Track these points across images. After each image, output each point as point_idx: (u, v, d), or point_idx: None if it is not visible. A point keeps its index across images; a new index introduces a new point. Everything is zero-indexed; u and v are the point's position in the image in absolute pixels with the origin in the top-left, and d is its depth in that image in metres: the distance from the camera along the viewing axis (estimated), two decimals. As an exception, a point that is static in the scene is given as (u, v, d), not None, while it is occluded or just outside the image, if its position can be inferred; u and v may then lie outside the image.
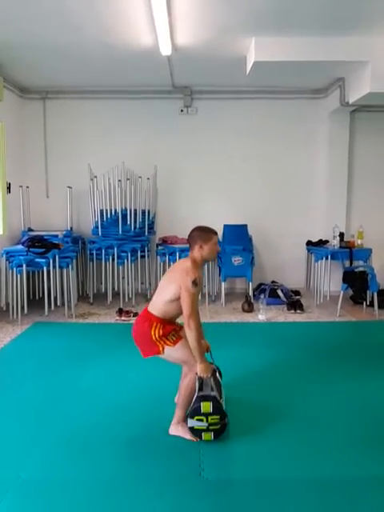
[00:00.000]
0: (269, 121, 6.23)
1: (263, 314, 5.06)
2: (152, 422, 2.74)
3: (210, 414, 2.45)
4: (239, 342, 4.26)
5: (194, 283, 2.44)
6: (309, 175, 6.34)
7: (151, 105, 6.15)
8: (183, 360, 2.55)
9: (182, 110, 6.18)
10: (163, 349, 2.51)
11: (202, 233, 2.61)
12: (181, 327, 2.67)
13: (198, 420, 2.46)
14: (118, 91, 6.04)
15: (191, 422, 2.48)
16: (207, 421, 2.45)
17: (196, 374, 2.50)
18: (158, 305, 2.58)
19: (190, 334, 2.45)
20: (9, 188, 5.48)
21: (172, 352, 2.52)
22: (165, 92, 6.06)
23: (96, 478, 2.22)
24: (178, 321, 2.71)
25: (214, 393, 2.51)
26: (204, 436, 2.48)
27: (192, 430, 2.49)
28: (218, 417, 2.46)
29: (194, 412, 2.48)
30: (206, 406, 2.46)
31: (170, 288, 2.52)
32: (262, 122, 6.23)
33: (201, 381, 2.52)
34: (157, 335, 2.51)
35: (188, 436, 2.52)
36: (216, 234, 2.65)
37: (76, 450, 2.46)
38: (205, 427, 2.46)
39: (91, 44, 4.48)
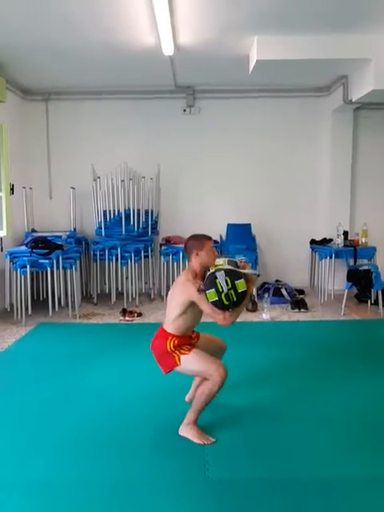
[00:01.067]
0: (272, 119, 6.22)
1: (267, 313, 5.05)
2: (157, 421, 2.74)
3: (235, 291, 2.43)
4: (243, 341, 4.24)
5: (199, 290, 2.45)
6: (312, 173, 6.32)
7: (154, 105, 6.15)
8: (199, 371, 2.53)
9: (184, 110, 6.17)
10: (179, 359, 2.50)
11: (196, 241, 2.62)
12: (196, 335, 2.72)
13: (226, 281, 2.41)
14: (120, 91, 6.04)
15: (221, 276, 2.42)
16: (228, 290, 2.41)
17: (221, 377, 2.45)
18: (169, 323, 2.60)
19: (233, 320, 2.49)
20: (12, 189, 5.49)
21: (187, 361, 2.50)
22: (167, 92, 6.06)
23: (101, 479, 2.21)
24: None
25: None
26: (210, 293, 2.41)
27: (213, 279, 2.43)
28: (235, 300, 2.44)
29: (232, 273, 2.45)
30: (242, 285, 2.45)
31: (172, 305, 2.58)
32: (265, 120, 6.22)
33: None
34: (171, 346, 2.53)
35: (196, 439, 2.49)
36: (210, 239, 2.66)
37: (80, 450, 2.46)
38: (221, 290, 2.41)
39: (93, 45, 4.48)
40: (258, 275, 2.61)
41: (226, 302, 2.43)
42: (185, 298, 2.50)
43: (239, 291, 2.45)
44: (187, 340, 2.62)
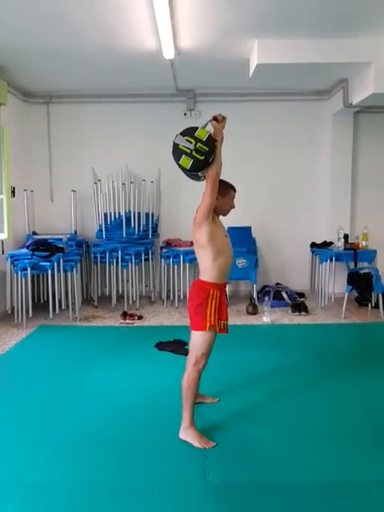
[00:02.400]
0: (272, 123, 6.23)
1: (267, 317, 5.05)
2: (157, 425, 2.74)
3: (201, 141, 2.37)
4: (243, 344, 4.25)
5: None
6: (313, 177, 6.33)
7: (155, 108, 6.17)
8: (198, 350, 2.52)
9: (185, 113, 6.19)
10: (209, 328, 2.48)
11: (221, 185, 2.58)
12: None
13: (187, 140, 2.36)
14: (121, 95, 6.06)
15: (179, 139, 2.38)
16: (195, 145, 2.36)
17: (197, 368, 2.51)
18: (207, 271, 2.55)
19: (215, 180, 2.46)
20: (13, 192, 5.50)
21: (205, 336, 2.50)
22: (168, 95, 6.08)
23: (101, 481, 2.21)
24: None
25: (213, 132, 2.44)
26: (182, 160, 2.38)
27: (176, 147, 2.39)
28: (207, 149, 2.38)
29: (187, 131, 2.40)
30: (203, 133, 2.38)
31: (202, 250, 2.53)
32: (266, 124, 6.23)
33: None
34: (212, 310, 2.49)
35: (196, 443, 2.49)
36: (235, 190, 2.66)
37: (80, 453, 2.45)
38: (189, 150, 2.36)
39: (94, 48, 4.49)
40: (215, 118, 2.45)
41: (200, 157, 2.37)
42: (201, 226, 2.49)
43: (204, 139, 2.38)
44: (224, 308, 2.58)
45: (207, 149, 2.39)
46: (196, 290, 2.58)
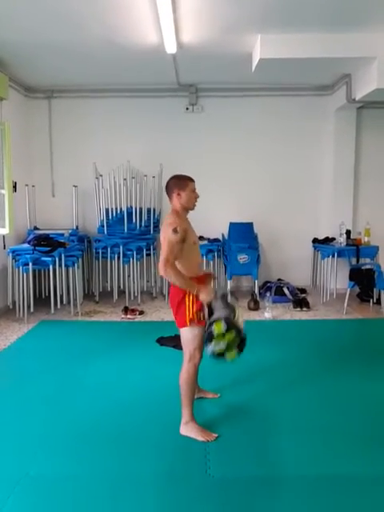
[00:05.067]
0: (275, 118, 6.20)
1: (269, 312, 5.05)
2: (158, 419, 2.75)
3: (224, 334, 2.38)
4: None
5: (174, 231, 2.43)
6: (315, 172, 6.31)
7: (157, 103, 6.15)
8: (188, 346, 2.54)
9: (187, 108, 6.17)
10: (190, 322, 2.50)
11: (178, 180, 2.59)
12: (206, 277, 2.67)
13: (215, 343, 2.38)
14: (123, 90, 6.04)
15: (210, 347, 2.39)
16: (225, 340, 2.37)
17: (193, 363, 2.53)
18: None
19: (168, 278, 2.47)
20: (15, 187, 5.49)
21: (190, 331, 2.52)
22: (170, 90, 6.05)
23: (102, 475, 2.22)
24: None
25: (224, 311, 2.44)
26: (228, 356, 2.40)
27: (214, 354, 2.41)
28: (233, 332, 2.39)
29: (209, 336, 2.41)
30: (218, 327, 2.38)
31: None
32: (268, 119, 6.21)
33: (209, 307, 2.46)
34: (190, 304, 2.49)
35: (199, 437, 2.50)
36: (192, 180, 2.62)
37: (82, 447, 2.46)
38: (224, 348, 2.38)
39: (96, 42, 4.47)
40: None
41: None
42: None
43: (223, 343, 2.38)
44: (203, 280, 2.60)
45: (234, 333, 2.40)
46: (174, 289, 2.59)
